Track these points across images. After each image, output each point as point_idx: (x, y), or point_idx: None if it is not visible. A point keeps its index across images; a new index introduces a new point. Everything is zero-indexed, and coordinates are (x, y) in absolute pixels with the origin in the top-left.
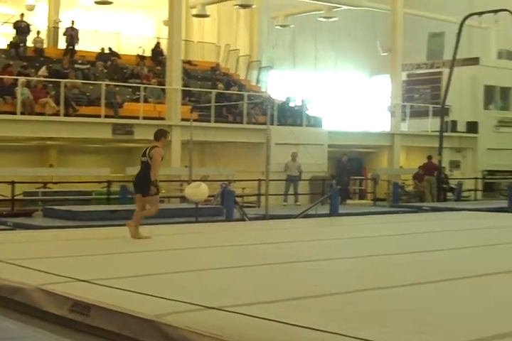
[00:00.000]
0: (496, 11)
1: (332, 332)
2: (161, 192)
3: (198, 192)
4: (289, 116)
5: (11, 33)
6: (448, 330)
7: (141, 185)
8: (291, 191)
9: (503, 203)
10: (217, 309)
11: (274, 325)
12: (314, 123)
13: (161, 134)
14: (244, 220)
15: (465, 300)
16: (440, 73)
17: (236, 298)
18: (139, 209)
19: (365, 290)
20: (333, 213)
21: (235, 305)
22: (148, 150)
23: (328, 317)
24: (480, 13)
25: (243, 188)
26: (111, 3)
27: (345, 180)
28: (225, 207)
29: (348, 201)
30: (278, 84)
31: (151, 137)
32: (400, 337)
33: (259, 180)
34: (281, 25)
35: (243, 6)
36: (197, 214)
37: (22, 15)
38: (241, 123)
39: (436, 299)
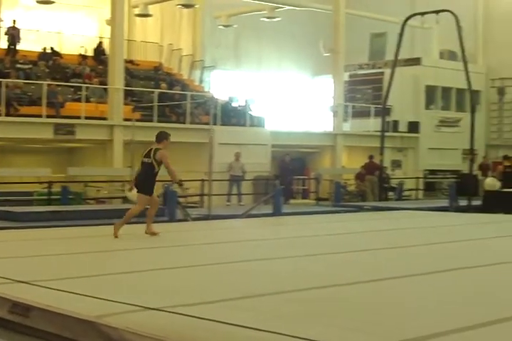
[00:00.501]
0: (437, 12)
1: (272, 332)
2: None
3: None
4: (232, 116)
5: None
6: (388, 329)
7: (144, 185)
8: (234, 191)
9: (444, 202)
10: (157, 310)
11: (214, 325)
12: (257, 123)
13: (162, 136)
14: (187, 220)
15: (407, 299)
16: (382, 73)
17: (176, 299)
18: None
19: (306, 290)
20: (277, 213)
21: (175, 306)
22: (152, 153)
23: (268, 317)
24: (422, 14)
25: (186, 188)
26: (53, 2)
27: (288, 180)
28: (168, 207)
29: (291, 201)
30: (221, 84)
31: (93, 137)
32: (339, 335)
33: (203, 180)
34: (224, 25)
35: (186, 6)
36: (139, 214)
37: None
38: (184, 123)
39: (377, 298)
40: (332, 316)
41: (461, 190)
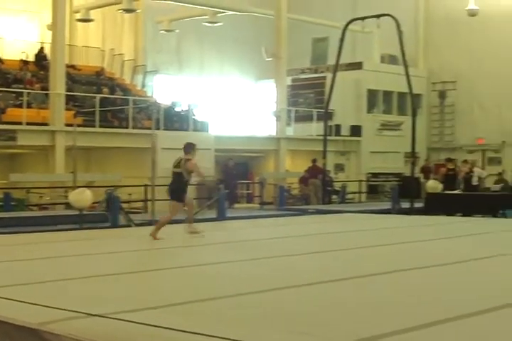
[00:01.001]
0: (378, 16)
1: (214, 336)
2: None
3: (82, 198)
4: (175, 120)
5: None
6: (331, 331)
7: (177, 193)
8: None
9: (387, 205)
10: (101, 316)
11: (157, 330)
12: (201, 127)
13: (190, 147)
14: (130, 226)
15: (348, 301)
16: (324, 78)
17: (119, 305)
18: (174, 213)
19: (250, 294)
20: (221, 217)
21: (118, 312)
22: (182, 162)
23: (213, 321)
24: (363, 18)
25: (129, 194)
26: None
27: (233, 184)
28: (111, 213)
29: (236, 205)
30: (164, 89)
31: (35, 143)
32: (282, 338)
33: (146, 185)
34: (166, 30)
35: (127, 11)
36: (82, 220)
37: None
38: (126, 128)
39: (319, 301)
40: (275, 319)
41: (404, 193)
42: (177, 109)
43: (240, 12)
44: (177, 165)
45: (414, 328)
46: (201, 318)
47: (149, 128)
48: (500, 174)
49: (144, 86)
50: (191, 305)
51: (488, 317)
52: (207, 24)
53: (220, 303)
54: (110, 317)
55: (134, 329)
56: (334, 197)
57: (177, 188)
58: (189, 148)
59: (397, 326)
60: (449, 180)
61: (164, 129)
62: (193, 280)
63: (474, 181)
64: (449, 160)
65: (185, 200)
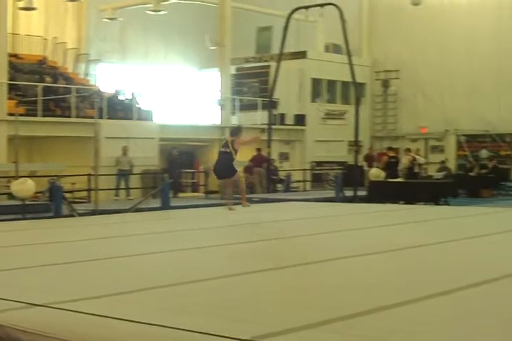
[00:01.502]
0: (321, 5)
1: (155, 324)
2: None
3: (25, 188)
4: (119, 109)
5: None
6: (276, 317)
7: (230, 170)
8: (122, 185)
9: (331, 193)
10: (44, 306)
11: (100, 319)
12: (145, 116)
13: (238, 130)
14: (73, 216)
15: (291, 288)
16: (268, 67)
17: (62, 295)
18: (231, 188)
19: (192, 282)
20: (165, 206)
21: (62, 302)
22: (230, 144)
23: (155, 310)
24: (306, 7)
25: (73, 183)
26: None
27: (177, 174)
28: (54, 203)
29: (181, 194)
30: (107, 78)
31: None
32: (221, 326)
33: (89, 174)
34: (109, 18)
35: None
36: (24, 210)
37: None
38: (69, 117)
39: (263, 288)
40: (216, 307)
41: (348, 181)
42: (121, 97)
43: (184, 0)
44: (225, 145)
45: (360, 313)
46: (144, 307)
47: (92, 117)
48: (443, 162)
49: (87, 75)
50: (134, 294)
51: (426, 304)
52: (151, 12)
53: (163, 292)
54: (54, 307)
55: (79, 319)
56: (279, 185)
57: (229, 166)
58: (237, 131)
59: (343, 311)
60: (391, 167)
61: (108, 118)
62: (135, 270)
63: (415, 169)
64: (390, 148)
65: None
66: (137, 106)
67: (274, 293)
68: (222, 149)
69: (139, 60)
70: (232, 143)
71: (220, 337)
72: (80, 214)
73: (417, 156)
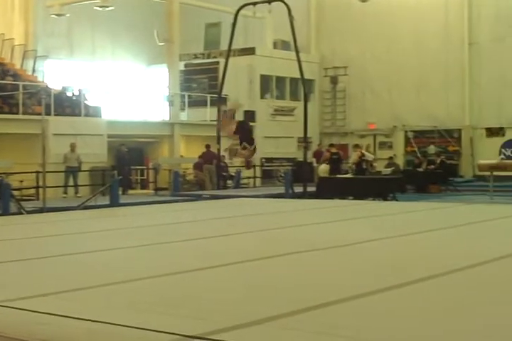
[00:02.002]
0: (269, 1)
1: (105, 322)
2: None
3: None
4: (67, 106)
5: None
6: (223, 314)
7: None
8: (71, 182)
9: (281, 189)
10: None
11: (49, 317)
12: (93, 113)
13: None
14: (21, 214)
15: (239, 284)
16: (217, 63)
17: (8, 293)
18: None
19: (140, 279)
20: (114, 203)
21: (7, 300)
22: None
23: (100, 307)
24: (254, 3)
25: (21, 181)
26: None
27: (126, 170)
28: (2, 200)
29: (130, 191)
30: (55, 74)
31: None
32: (175, 322)
33: (37, 172)
34: (56, 14)
35: None
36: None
37: None
38: (17, 113)
39: (211, 284)
40: (163, 304)
41: (297, 177)
42: (68, 94)
43: None
44: None
45: (307, 309)
46: (91, 304)
47: (40, 114)
48: (391, 158)
49: (34, 71)
50: (82, 291)
51: (373, 299)
52: (98, 8)
53: (111, 289)
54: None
55: (26, 317)
56: (229, 182)
57: None
58: None
59: (291, 307)
60: (334, 164)
61: (55, 115)
62: (83, 267)
63: (363, 165)
64: (332, 145)
65: None
66: (85, 102)
67: (221, 290)
68: None
69: (86, 56)
70: None
71: (166, 333)
72: (28, 212)
73: (366, 153)
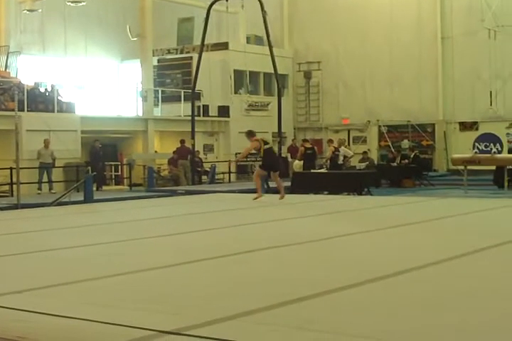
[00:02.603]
0: None
1: (80, 318)
2: None
3: None
4: (40, 101)
5: None
6: (199, 309)
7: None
8: (45, 179)
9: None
10: None
11: (23, 314)
12: (67, 109)
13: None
14: None
15: (215, 280)
16: (190, 58)
17: None
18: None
19: (115, 275)
20: (88, 200)
21: None
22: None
23: (77, 304)
24: None
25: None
26: None
27: (100, 166)
28: None
29: (104, 187)
30: (28, 70)
31: None
32: (149, 318)
33: (11, 168)
34: (29, 10)
35: None
36: None
37: None
38: None
39: (187, 280)
40: (139, 300)
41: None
42: (41, 90)
43: None
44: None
45: (282, 303)
46: (66, 301)
47: (13, 110)
48: (365, 153)
49: (7, 67)
50: (56, 287)
51: (347, 294)
52: (71, 4)
53: (86, 286)
54: None
55: (1, 314)
56: (204, 177)
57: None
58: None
59: (266, 302)
60: (308, 158)
61: (29, 111)
62: (57, 264)
63: (340, 160)
64: (305, 140)
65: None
66: (58, 98)
67: (196, 286)
68: (267, 146)
69: (59, 51)
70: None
71: (140, 329)
72: (2, 209)
73: (345, 149)
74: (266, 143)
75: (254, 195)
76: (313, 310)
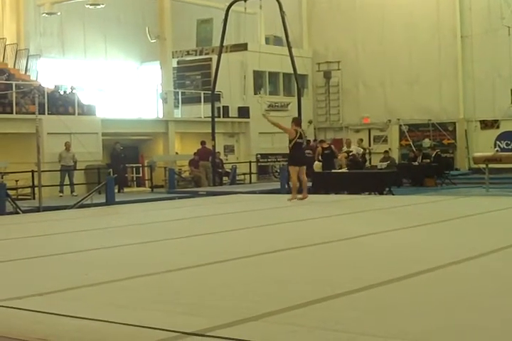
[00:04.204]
0: None
1: (102, 320)
2: None
3: None
4: (61, 104)
5: None
6: (220, 310)
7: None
8: (66, 181)
9: (276, 185)
10: None
11: (48, 316)
12: (88, 111)
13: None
14: (18, 213)
15: (235, 281)
16: (210, 59)
17: (7, 292)
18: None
19: (139, 277)
20: (110, 202)
21: (6, 299)
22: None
23: (100, 305)
24: None
25: (16, 180)
26: None
27: (122, 168)
28: None
29: (126, 189)
30: (48, 73)
31: None
32: (171, 320)
33: (32, 171)
34: (48, 13)
35: None
36: None
37: None
38: (11, 113)
39: (208, 281)
40: (160, 301)
41: None
42: (62, 92)
43: None
44: (300, 136)
45: (304, 304)
46: (89, 302)
47: (34, 113)
48: (386, 152)
49: (27, 70)
50: (79, 290)
51: (369, 294)
52: (90, 6)
53: (109, 287)
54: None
55: (23, 316)
56: (225, 178)
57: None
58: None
59: (287, 303)
60: (327, 159)
61: (49, 114)
62: (80, 266)
63: (358, 158)
64: (322, 140)
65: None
66: (79, 101)
67: (218, 286)
68: (300, 140)
69: (78, 54)
70: (303, 133)
71: (165, 330)
72: (24, 212)
73: (355, 147)
74: (301, 137)
75: (289, 196)
76: (335, 310)
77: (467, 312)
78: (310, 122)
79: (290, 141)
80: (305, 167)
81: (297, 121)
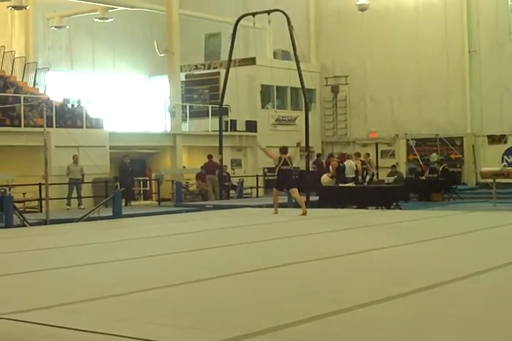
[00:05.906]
0: (269, 12)
1: (106, 333)
2: None
3: None
4: (69, 118)
5: None
6: (225, 324)
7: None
8: (74, 194)
9: (284, 199)
10: None
11: (51, 329)
12: (96, 124)
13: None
14: (25, 226)
15: (240, 295)
16: (218, 74)
17: (13, 305)
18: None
19: (141, 291)
20: (117, 215)
21: (12, 312)
22: (288, 160)
23: (104, 319)
24: (253, 14)
25: (24, 193)
26: None
27: (129, 182)
28: (5, 213)
29: (133, 202)
30: (56, 86)
31: None
32: (176, 334)
33: (40, 184)
34: (56, 26)
35: (17, 8)
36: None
37: None
38: (19, 126)
39: (212, 295)
40: (164, 315)
41: (301, 187)
42: (70, 106)
43: (131, 8)
44: (285, 163)
45: (308, 319)
46: (94, 316)
47: (42, 126)
48: (393, 166)
49: (35, 83)
50: (85, 303)
51: (382, 307)
52: (98, 20)
53: (113, 301)
54: (3, 318)
55: (30, 329)
56: (232, 192)
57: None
58: (287, 149)
59: (291, 318)
60: (340, 173)
61: (57, 127)
62: (86, 279)
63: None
64: (331, 155)
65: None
66: (87, 114)
67: (224, 301)
68: (284, 167)
69: (87, 68)
70: (290, 159)
71: None
72: (32, 224)
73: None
74: (286, 163)
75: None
76: (339, 326)
77: (472, 328)
78: (298, 145)
79: (275, 168)
80: (295, 189)
81: (283, 150)
